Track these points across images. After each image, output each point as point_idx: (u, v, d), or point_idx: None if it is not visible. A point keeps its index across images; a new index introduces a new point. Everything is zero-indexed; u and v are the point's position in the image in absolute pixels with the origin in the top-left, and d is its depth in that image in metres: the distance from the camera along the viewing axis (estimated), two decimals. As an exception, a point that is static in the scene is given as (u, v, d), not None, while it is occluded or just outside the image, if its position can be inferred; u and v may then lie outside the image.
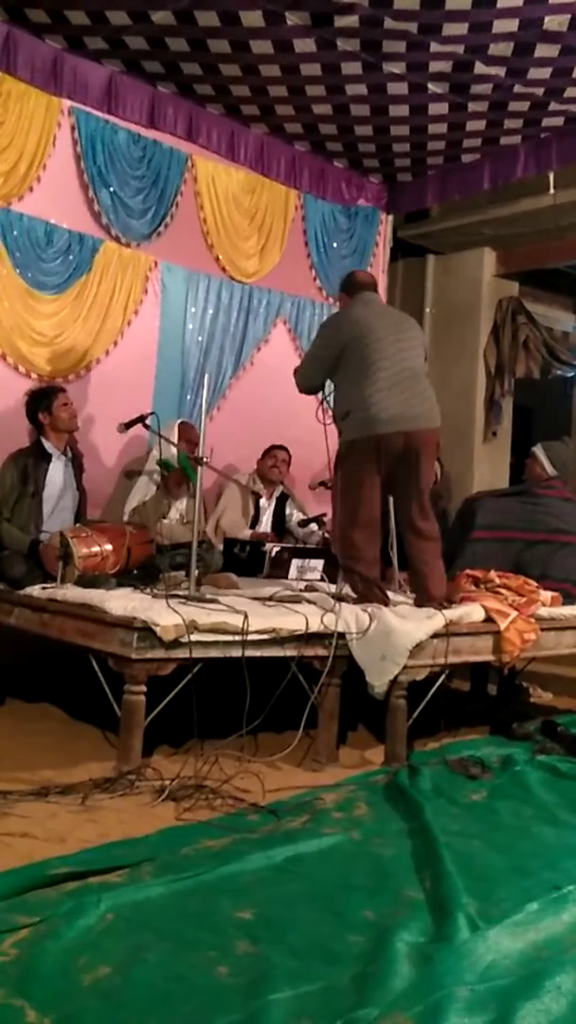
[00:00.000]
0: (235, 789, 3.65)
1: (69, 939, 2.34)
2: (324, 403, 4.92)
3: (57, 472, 5.18)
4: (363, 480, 4.57)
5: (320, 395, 4.93)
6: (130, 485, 5.76)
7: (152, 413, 5.62)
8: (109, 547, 4.62)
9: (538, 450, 5.87)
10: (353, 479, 4.59)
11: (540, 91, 5.97)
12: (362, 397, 4.50)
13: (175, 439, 5.61)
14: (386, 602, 4.58)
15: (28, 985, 2.12)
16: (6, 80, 5.53)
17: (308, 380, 4.85)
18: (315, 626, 4.19)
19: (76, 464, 5.35)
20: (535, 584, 5.06)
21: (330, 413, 4.83)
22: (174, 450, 5.52)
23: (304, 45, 5.52)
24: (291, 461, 6.51)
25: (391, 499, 4.81)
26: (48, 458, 5.16)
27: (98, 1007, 2.08)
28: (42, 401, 5.23)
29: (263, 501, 6.43)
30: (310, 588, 4.92)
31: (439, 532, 4.80)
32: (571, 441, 6.13)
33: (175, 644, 3.84)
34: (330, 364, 4.68)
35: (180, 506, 5.81)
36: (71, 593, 4.33)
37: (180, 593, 4.33)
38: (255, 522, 6.34)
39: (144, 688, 3.86)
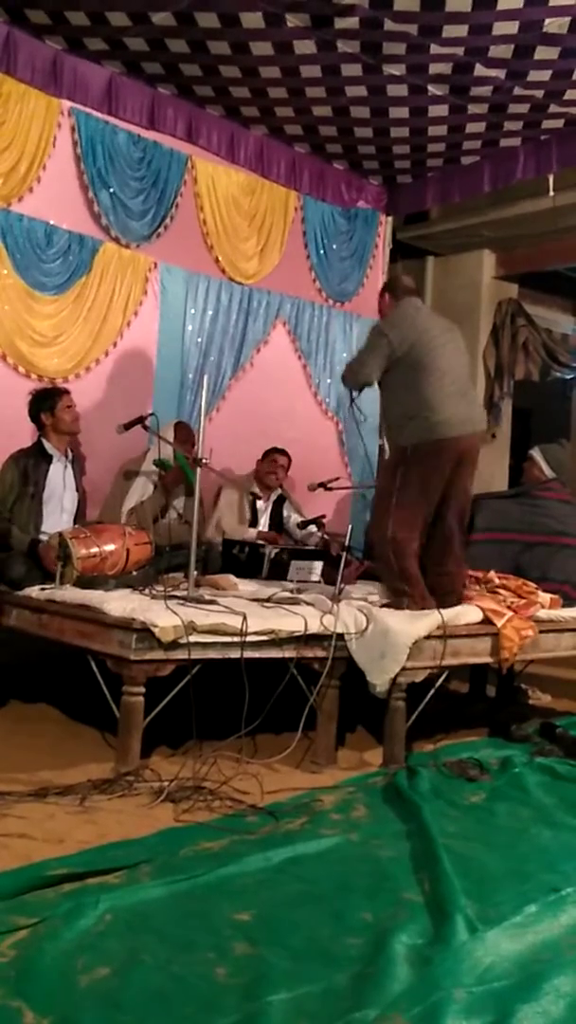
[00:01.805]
0: (234, 790, 3.65)
1: (67, 940, 2.34)
2: (355, 404, 4.97)
3: (57, 473, 5.18)
4: (429, 483, 4.60)
5: (352, 395, 4.97)
6: (128, 486, 5.76)
7: (152, 414, 5.61)
8: (108, 548, 4.62)
9: (536, 453, 5.88)
10: (419, 482, 4.60)
11: (540, 93, 5.98)
12: (431, 400, 4.55)
13: (172, 440, 5.61)
14: (428, 604, 4.56)
15: (26, 986, 2.12)
16: (6, 81, 5.53)
17: (365, 376, 4.77)
18: (314, 627, 4.20)
19: (77, 466, 5.35)
20: (534, 586, 5.07)
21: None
22: (170, 450, 5.52)
23: (304, 47, 5.52)
24: (290, 465, 6.50)
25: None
26: (49, 459, 5.16)
27: (96, 1008, 2.08)
28: (45, 402, 5.23)
29: (260, 503, 6.42)
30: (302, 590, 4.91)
31: None
32: (568, 443, 6.13)
33: (174, 645, 3.85)
34: (389, 362, 4.67)
35: (178, 505, 5.82)
36: (70, 594, 4.33)
37: (179, 594, 4.34)
38: (253, 524, 6.34)
39: (143, 689, 3.87)
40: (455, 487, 4.70)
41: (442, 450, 4.57)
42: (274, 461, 6.44)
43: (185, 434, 5.77)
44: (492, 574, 5.08)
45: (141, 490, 5.72)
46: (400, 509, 4.61)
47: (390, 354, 4.64)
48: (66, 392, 5.33)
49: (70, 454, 5.30)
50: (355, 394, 4.96)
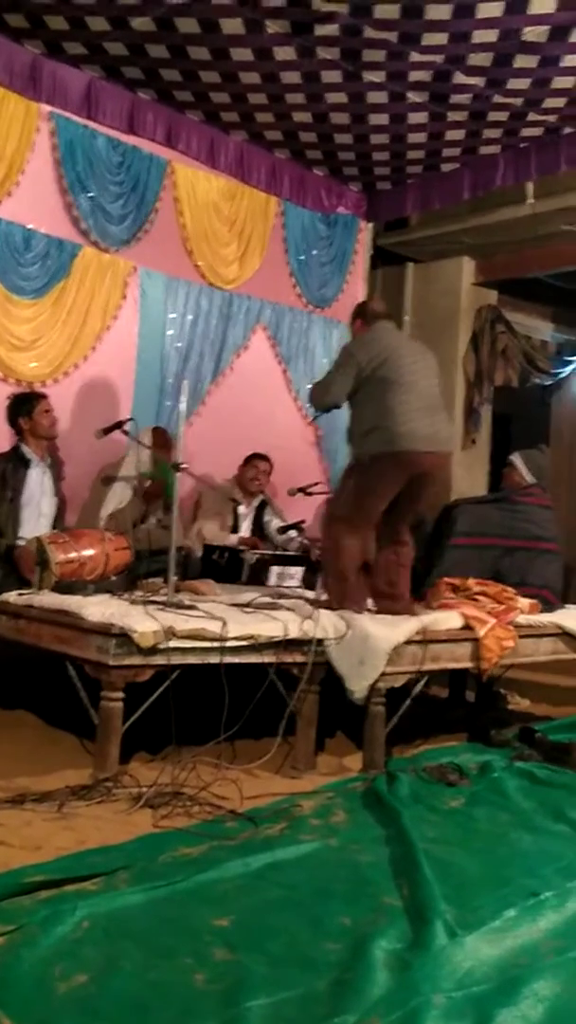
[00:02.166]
0: (213, 796, 3.64)
1: (45, 947, 2.32)
2: (313, 421, 5.01)
3: (36, 478, 5.16)
4: (379, 491, 4.61)
5: (315, 415, 5.02)
6: (106, 491, 5.74)
7: (131, 419, 5.59)
8: (87, 553, 4.60)
9: (516, 459, 5.90)
10: (369, 487, 4.61)
11: (519, 101, 6.01)
12: (395, 414, 4.55)
13: (149, 445, 5.58)
14: (361, 609, 4.59)
15: (3, 993, 2.11)
16: (-15, 85, 5.52)
17: (334, 397, 4.77)
18: (293, 632, 4.19)
19: (55, 470, 5.33)
20: (513, 591, 5.08)
21: (318, 429, 4.86)
22: (146, 455, 5.51)
23: (284, 53, 5.53)
24: (272, 470, 6.49)
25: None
26: (27, 464, 5.14)
27: (74, 1015, 2.06)
28: (23, 406, 5.22)
29: (242, 508, 6.41)
30: (283, 596, 4.91)
31: None
32: (547, 449, 6.16)
33: (153, 651, 3.83)
34: (358, 383, 4.67)
35: (158, 511, 5.80)
36: (48, 599, 4.31)
37: (158, 599, 4.32)
38: (235, 531, 6.32)
39: (121, 695, 3.85)
40: (410, 503, 4.71)
41: (399, 463, 4.56)
42: (256, 468, 6.42)
43: (163, 439, 5.75)
44: (471, 581, 5.08)
45: (119, 496, 5.70)
46: (346, 515, 4.63)
47: (358, 374, 4.64)
48: (44, 396, 5.32)
49: (48, 459, 5.28)
50: (317, 414, 5.01)
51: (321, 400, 4.86)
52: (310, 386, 5.15)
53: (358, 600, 4.63)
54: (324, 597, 4.70)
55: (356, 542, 4.64)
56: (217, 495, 6.31)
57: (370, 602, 4.77)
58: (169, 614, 4.04)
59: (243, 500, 6.42)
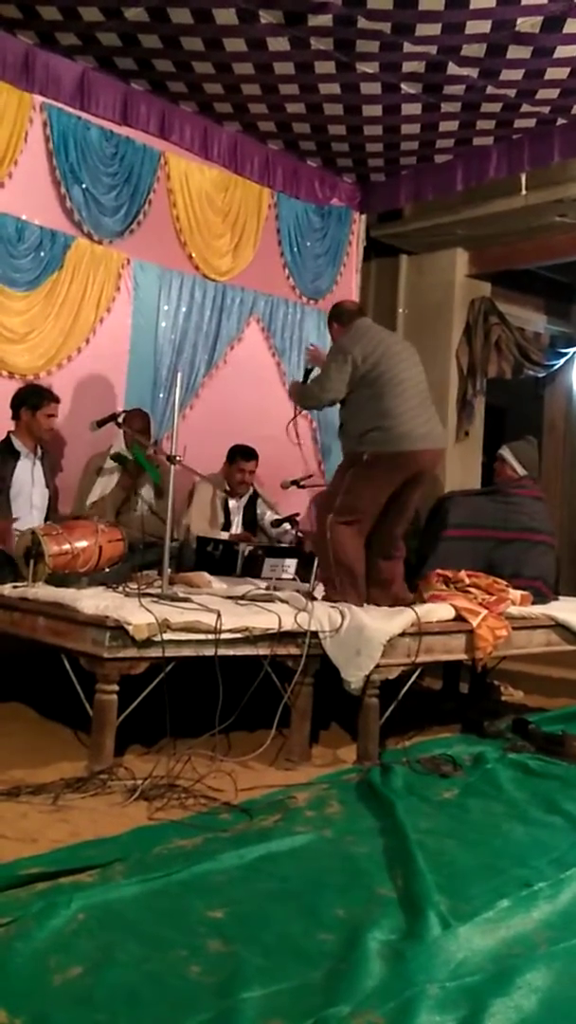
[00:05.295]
0: (207, 788, 3.65)
1: (40, 939, 2.32)
2: (293, 424, 5.06)
3: (25, 469, 5.16)
4: (377, 488, 4.62)
5: (295, 411, 5.05)
6: (93, 480, 5.73)
7: (124, 411, 5.59)
8: (80, 545, 4.60)
9: (505, 452, 5.89)
10: (366, 484, 4.62)
11: (512, 92, 6.00)
12: (394, 415, 4.57)
13: (128, 429, 5.55)
14: (360, 602, 4.59)
15: (-2, 986, 2.11)
16: (-23, 76, 5.50)
17: (333, 394, 4.74)
18: (288, 625, 4.20)
19: (47, 462, 5.33)
20: (504, 583, 5.09)
21: (314, 428, 4.87)
22: (121, 438, 5.50)
23: (277, 43, 5.52)
24: (258, 465, 6.38)
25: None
26: (17, 455, 5.15)
27: (69, 1007, 2.07)
28: (32, 398, 5.23)
29: (232, 503, 6.37)
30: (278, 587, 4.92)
31: None
32: (534, 440, 6.15)
33: (147, 643, 3.83)
34: (354, 380, 4.67)
35: (147, 496, 5.77)
36: (42, 592, 4.30)
37: (153, 592, 4.32)
38: (226, 527, 6.29)
39: (116, 687, 3.85)
40: (403, 502, 4.73)
41: (399, 463, 4.59)
42: (242, 470, 6.29)
43: (139, 421, 5.71)
44: (462, 573, 5.09)
45: (103, 485, 5.69)
46: (342, 510, 4.63)
47: (354, 370, 4.64)
48: (55, 401, 5.30)
49: (39, 451, 5.27)
50: (299, 410, 5.02)
51: (318, 400, 4.85)
52: (291, 384, 5.13)
53: (359, 594, 4.64)
54: (321, 592, 4.71)
55: (354, 537, 4.65)
56: (209, 488, 6.26)
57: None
58: (164, 606, 4.04)
59: (233, 494, 6.37)
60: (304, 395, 5.01)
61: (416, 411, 4.61)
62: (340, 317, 4.99)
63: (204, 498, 6.28)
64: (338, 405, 4.82)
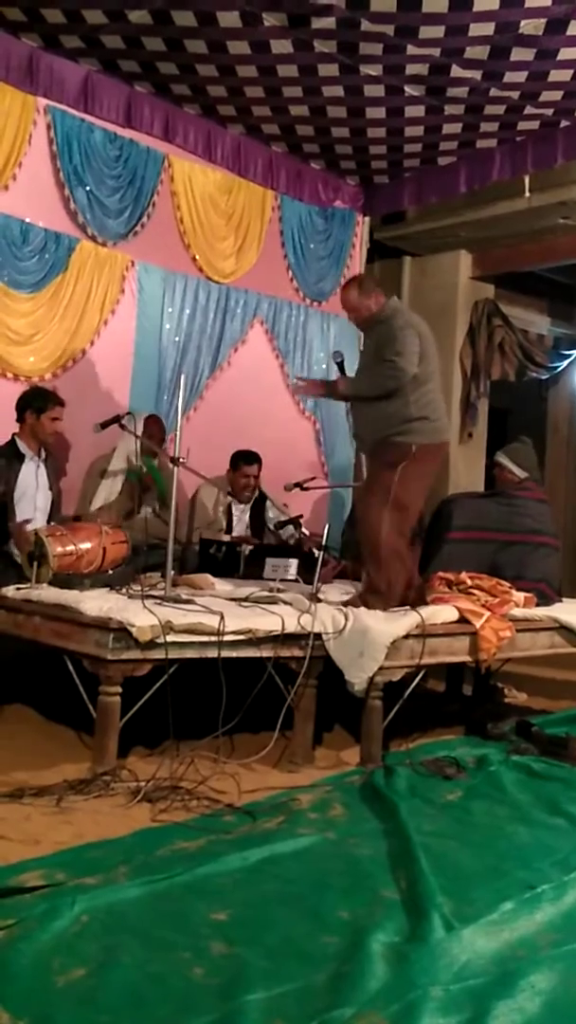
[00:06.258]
0: (211, 790, 3.65)
1: (43, 941, 2.33)
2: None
3: (30, 472, 5.16)
4: (426, 482, 4.65)
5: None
6: (98, 483, 5.73)
7: (128, 413, 5.60)
8: (84, 546, 4.60)
9: (502, 458, 5.85)
10: (417, 479, 4.57)
11: (516, 95, 6.00)
12: (434, 405, 4.58)
13: (141, 434, 5.55)
14: (423, 602, 4.57)
15: (2, 987, 2.11)
16: (-19, 78, 5.51)
17: (414, 369, 4.50)
18: (291, 627, 4.20)
19: (51, 464, 5.33)
20: (508, 585, 5.09)
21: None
22: (135, 445, 5.50)
23: (281, 46, 5.52)
24: (262, 467, 6.36)
25: None
26: (21, 458, 5.14)
27: (73, 1009, 2.07)
28: (37, 401, 5.22)
29: (236, 507, 6.35)
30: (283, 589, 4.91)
31: None
32: (528, 440, 6.10)
33: (151, 645, 3.83)
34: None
35: (152, 502, 5.79)
36: (46, 593, 4.31)
37: (156, 594, 4.32)
38: (229, 527, 6.29)
39: (119, 689, 3.85)
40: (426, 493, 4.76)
41: (439, 455, 4.64)
42: (245, 475, 6.27)
43: (154, 428, 5.73)
44: (464, 575, 5.08)
45: (108, 489, 5.69)
46: (396, 510, 4.54)
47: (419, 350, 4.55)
48: (60, 404, 5.29)
49: (43, 453, 5.28)
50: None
51: (404, 371, 4.46)
52: (336, 380, 4.90)
53: (416, 598, 4.60)
54: (356, 592, 4.68)
55: (404, 535, 4.62)
56: (214, 490, 6.26)
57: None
58: (167, 608, 4.05)
59: (236, 501, 6.35)
60: (383, 376, 4.53)
61: (441, 401, 4.62)
62: (377, 287, 4.78)
63: (207, 502, 6.28)
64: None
